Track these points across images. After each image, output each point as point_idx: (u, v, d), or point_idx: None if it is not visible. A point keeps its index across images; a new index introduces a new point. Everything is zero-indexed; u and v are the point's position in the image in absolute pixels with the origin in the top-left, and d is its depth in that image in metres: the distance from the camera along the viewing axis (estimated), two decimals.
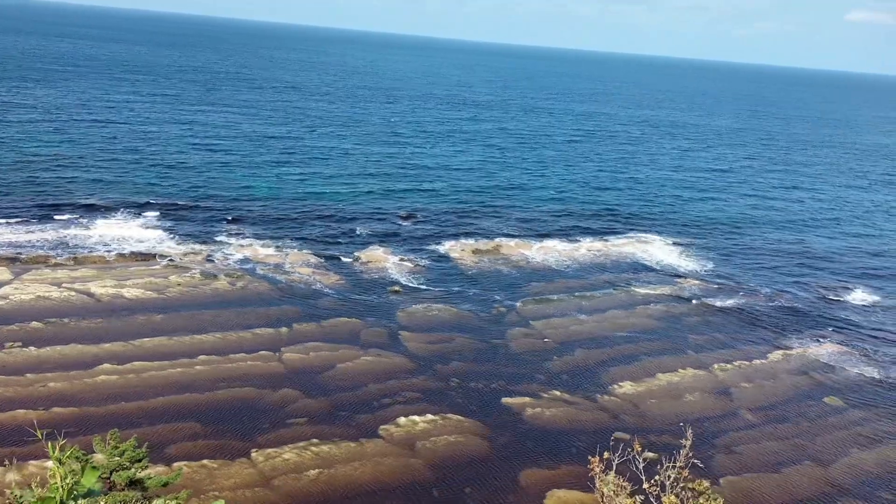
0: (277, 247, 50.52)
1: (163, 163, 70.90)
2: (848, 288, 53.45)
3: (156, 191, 60.99)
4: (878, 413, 34.99)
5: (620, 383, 35.85)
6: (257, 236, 52.36)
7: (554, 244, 57.76)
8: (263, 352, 35.54)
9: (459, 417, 31.40)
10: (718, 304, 47.69)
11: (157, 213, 54.96)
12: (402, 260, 50.64)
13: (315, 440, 28.58)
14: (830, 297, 51.08)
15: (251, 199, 62.03)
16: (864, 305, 50.26)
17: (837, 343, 42.83)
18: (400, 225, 59.26)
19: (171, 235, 50.54)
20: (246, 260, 47.49)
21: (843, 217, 77.36)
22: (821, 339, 43.23)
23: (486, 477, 27.68)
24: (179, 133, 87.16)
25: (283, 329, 38.21)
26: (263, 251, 49.41)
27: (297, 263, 47.89)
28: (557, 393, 34.39)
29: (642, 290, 49.08)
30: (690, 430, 15.79)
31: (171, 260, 45.89)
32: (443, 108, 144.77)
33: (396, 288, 45.43)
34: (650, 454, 26.16)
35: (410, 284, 46.42)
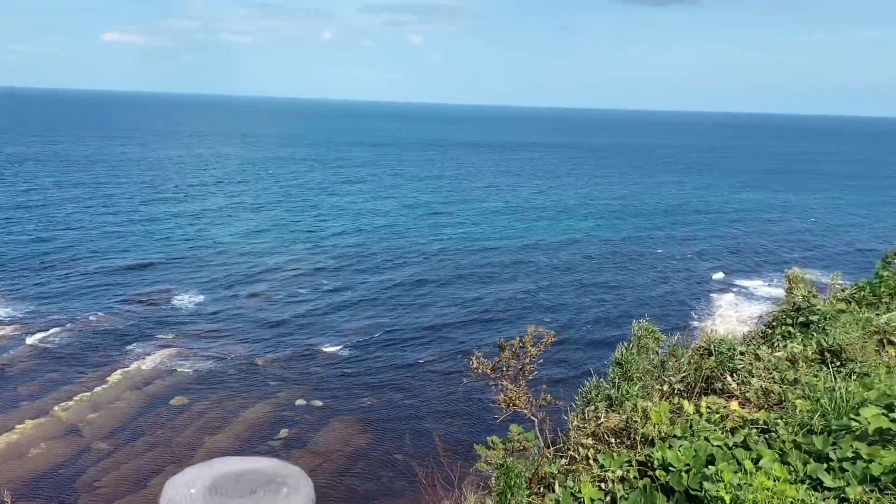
0: None
1: None
2: (177, 294, 56.62)
3: None
4: (217, 399, 38.37)
5: None
6: None
7: None
8: None
9: None
10: (48, 344, 44.25)
11: None
12: None
13: None
14: (161, 307, 53.25)
15: None
16: (191, 308, 54.09)
17: (173, 347, 45.07)
18: None
19: None
20: None
21: (192, 230, 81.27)
22: (157, 348, 44.73)
23: None
24: None
25: None
26: None
27: None
28: None
29: None
30: (9, 495, 14.02)
31: None
32: None
33: None
34: None
35: None
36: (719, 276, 68.97)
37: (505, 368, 11.69)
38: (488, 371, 11.63)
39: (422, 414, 37.84)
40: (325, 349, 46.29)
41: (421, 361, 45.57)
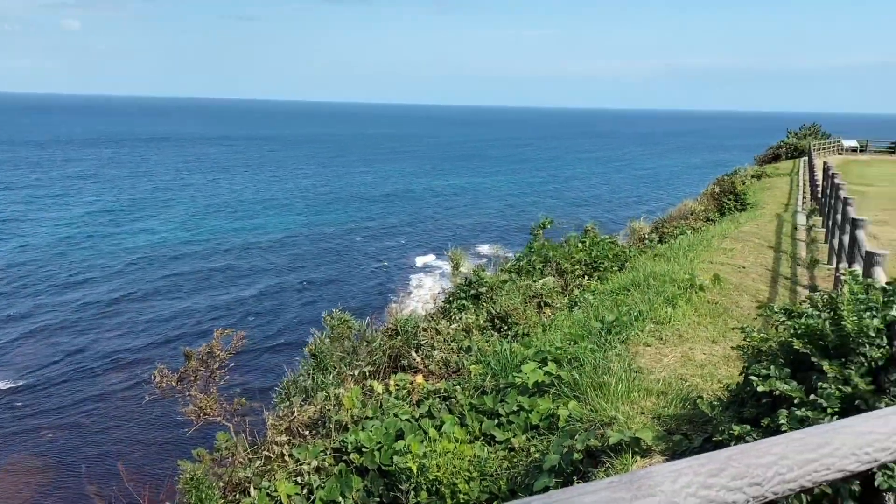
0: None
1: None
2: None
3: None
4: None
5: None
6: None
7: None
8: None
9: None
10: None
11: None
12: None
13: None
14: None
15: None
16: None
17: None
18: None
19: None
20: None
21: None
22: None
23: None
24: None
25: None
26: None
27: None
28: None
29: None
30: None
31: None
32: None
33: None
34: None
35: None
36: (426, 259, 73.33)
37: (193, 378, 11.04)
38: (174, 383, 10.89)
39: (115, 441, 34.28)
40: None
41: (116, 387, 41.25)
